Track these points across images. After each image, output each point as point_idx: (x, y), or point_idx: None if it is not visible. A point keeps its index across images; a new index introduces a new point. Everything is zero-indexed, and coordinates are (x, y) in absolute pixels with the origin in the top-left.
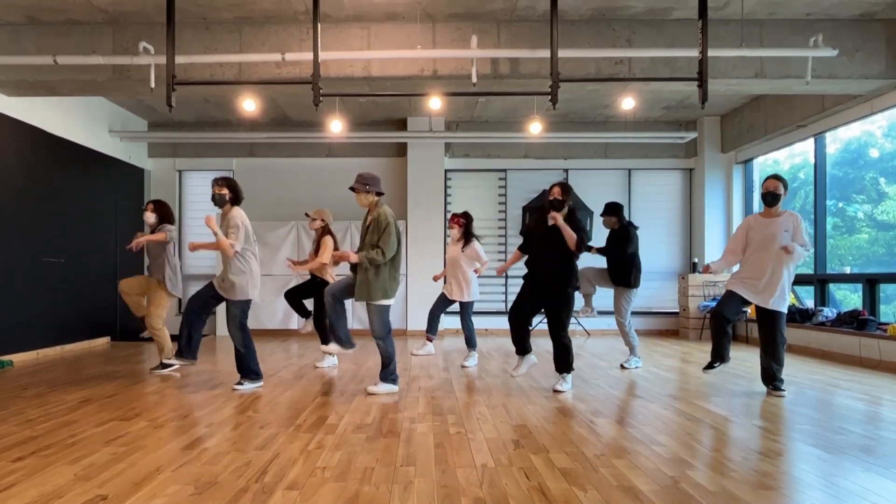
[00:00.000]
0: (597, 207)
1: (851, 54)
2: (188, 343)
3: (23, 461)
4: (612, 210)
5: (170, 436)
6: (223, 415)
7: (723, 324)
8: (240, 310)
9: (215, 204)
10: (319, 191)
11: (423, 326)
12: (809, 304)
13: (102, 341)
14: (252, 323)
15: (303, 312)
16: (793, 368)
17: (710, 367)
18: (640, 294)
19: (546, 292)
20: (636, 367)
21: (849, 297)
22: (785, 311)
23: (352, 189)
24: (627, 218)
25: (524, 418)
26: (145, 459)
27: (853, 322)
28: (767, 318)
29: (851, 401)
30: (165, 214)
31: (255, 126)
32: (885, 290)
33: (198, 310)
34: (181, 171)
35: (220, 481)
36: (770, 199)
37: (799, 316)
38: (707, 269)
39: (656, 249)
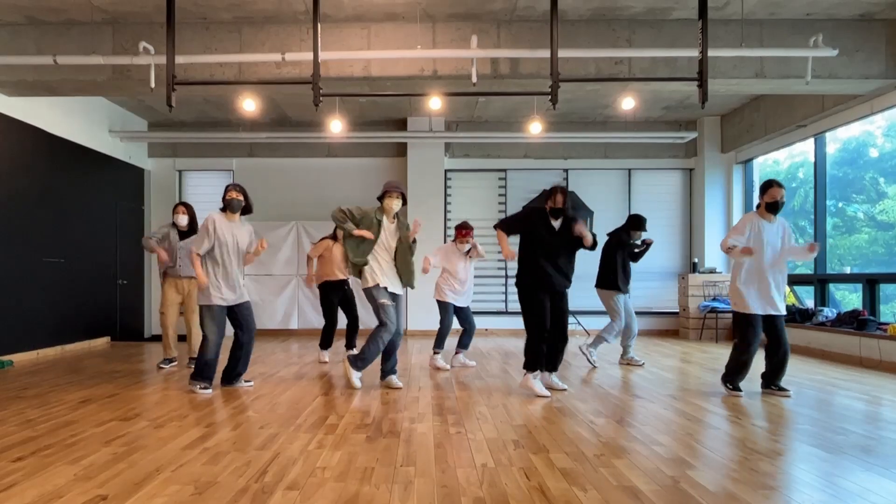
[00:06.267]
0: (597, 207)
1: (851, 54)
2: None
3: (23, 461)
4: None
5: (170, 436)
6: (223, 415)
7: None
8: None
9: (231, 210)
10: (319, 191)
11: (423, 326)
12: (809, 304)
13: (102, 341)
14: None
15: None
16: (793, 368)
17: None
18: (640, 294)
19: None
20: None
21: (848, 297)
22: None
23: (396, 195)
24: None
25: (524, 418)
26: (145, 459)
27: (853, 322)
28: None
29: (851, 401)
30: (195, 217)
31: (255, 126)
32: (885, 290)
33: (222, 332)
34: (181, 171)
35: (220, 481)
36: (779, 207)
37: (799, 316)
38: (747, 251)
39: (656, 249)
